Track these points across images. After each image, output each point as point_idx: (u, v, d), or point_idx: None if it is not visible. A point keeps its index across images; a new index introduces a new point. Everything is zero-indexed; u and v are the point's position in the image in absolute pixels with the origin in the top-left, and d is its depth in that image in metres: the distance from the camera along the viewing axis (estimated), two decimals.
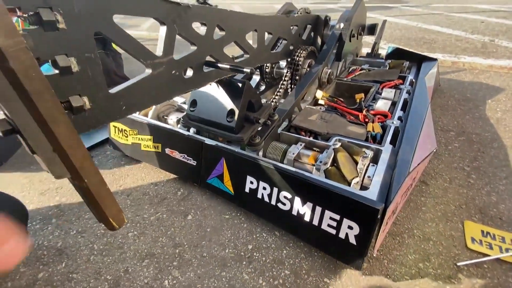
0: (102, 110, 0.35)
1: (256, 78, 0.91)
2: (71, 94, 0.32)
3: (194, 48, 0.46)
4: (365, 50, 1.18)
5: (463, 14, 2.48)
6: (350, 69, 1.00)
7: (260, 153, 0.55)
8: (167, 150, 0.64)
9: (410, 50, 1.20)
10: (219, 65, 0.48)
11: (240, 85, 0.53)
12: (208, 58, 0.50)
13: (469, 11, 2.64)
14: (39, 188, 0.67)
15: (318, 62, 0.80)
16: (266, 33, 0.66)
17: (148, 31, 2.68)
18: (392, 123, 0.61)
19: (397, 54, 1.02)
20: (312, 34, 0.90)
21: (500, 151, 0.72)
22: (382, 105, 0.70)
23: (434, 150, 0.61)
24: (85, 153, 0.32)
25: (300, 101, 0.71)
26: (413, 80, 0.86)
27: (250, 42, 0.62)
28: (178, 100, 0.78)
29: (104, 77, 0.34)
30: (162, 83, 0.42)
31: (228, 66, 0.47)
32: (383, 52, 1.21)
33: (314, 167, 0.50)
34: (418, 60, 1.00)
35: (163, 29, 0.40)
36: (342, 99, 0.76)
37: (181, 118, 0.68)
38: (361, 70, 0.96)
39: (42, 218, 0.56)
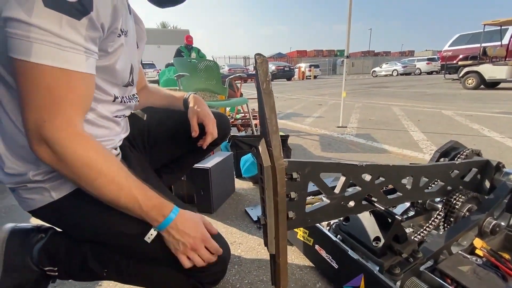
0: (298, 220, 0.61)
1: (406, 203, 0.99)
2: (289, 210, 0.59)
3: (359, 189, 0.67)
4: None
5: None
6: None
7: (398, 283, 0.63)
8: (317, 246, 0.84)
9: None
10: (375, 204, 0.66)
11: (390, 220, 0.68)
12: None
13: None
14: (230, 239, 1.03)
15: (482, 209, 0.79)
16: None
17: (310, 126, 3.27)
18: None
19: None
20: (478, 176, 0.91)
21: None
22: None
23: None
24: (285, 244, 0.58)
25: (452, 245, 0.73)
26: None
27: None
28: None
29: (305, 202, 0.61)
30: (333, 209, 0.65)
31: (382, 208, 0.64)
32: None
33: None
34: None
35: (343, 178, 0.65)
36: (509, 257, 0.70)
37: (332, 224, 0.87)
38: None
39: (230, 263, 0.88)
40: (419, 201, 0.91)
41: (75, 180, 0.49)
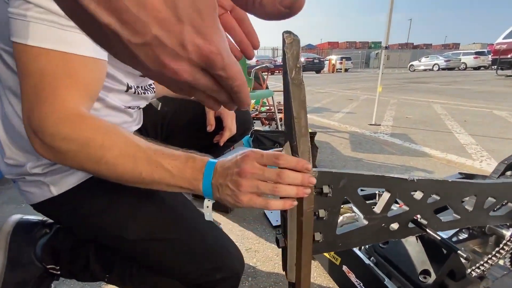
0: (327, 243, 0.49)
1: None
2: (315, 231, 0.48)
3: (406, 208, 0.53)
4: None
5: None
6: None
7: None
8: (344, 268, 0.71)
9: None
10: (426, 229, 0.52)
11: (445, 251, 0.53)
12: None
13: None
14: (246, 244, 0.94)
15: None
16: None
17: (339, 123, 3.06)
18: None
19: None
20: None
21: None
22: None
23: None
24: (308, 271, 0.47)
25: None
26: None
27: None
28: None
29: (336, 222, 0.49)
30: (371, 231, 0.52)
31: (437, 236, 0.50)
32: None
33: None
34: None
35: (387, 194, 0.52)
36: None
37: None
38: None
39: (244, 273, 0.79)
40: None
41: (82, 169, 0.41)
